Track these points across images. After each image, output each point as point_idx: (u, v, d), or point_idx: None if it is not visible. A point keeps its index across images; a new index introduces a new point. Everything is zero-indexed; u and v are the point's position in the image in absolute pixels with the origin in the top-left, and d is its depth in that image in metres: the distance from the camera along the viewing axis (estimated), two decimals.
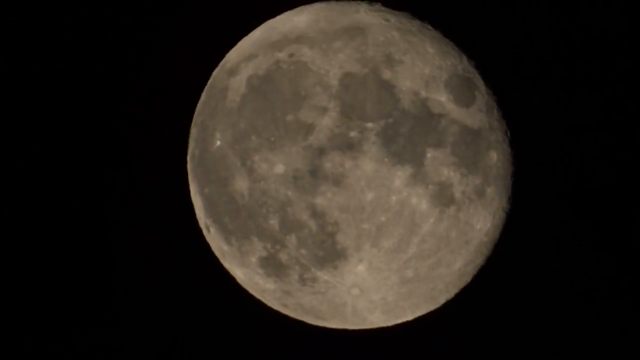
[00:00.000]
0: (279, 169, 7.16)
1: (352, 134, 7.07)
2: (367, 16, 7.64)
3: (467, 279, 8.07)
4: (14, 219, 9.40)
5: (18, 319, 9.43)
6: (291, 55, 7.39)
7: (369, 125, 7.09)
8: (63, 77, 9.30)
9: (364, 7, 7.80)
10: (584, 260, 9.46)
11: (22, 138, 9.34)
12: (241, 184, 7.33)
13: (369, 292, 7.52)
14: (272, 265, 7.49)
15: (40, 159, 9.36)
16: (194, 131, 7.96)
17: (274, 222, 7.26)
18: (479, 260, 7.94)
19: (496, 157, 7.58)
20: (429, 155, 7.18)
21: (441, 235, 7.37)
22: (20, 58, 9.29)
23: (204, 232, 8.04)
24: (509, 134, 7.73)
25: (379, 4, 7.87)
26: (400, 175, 7.12)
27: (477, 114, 7.47)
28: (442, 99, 7.30)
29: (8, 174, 9.32)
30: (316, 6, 7.95)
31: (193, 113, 8.07)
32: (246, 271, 7.74)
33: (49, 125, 9.35)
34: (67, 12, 9.21)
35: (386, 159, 7.09)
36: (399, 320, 8.14)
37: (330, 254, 7.27)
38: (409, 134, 7.14)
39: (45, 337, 9.45)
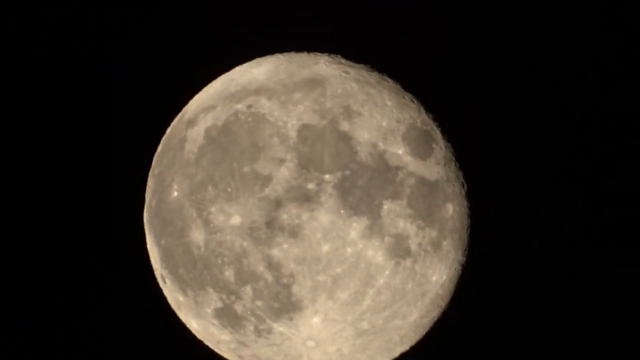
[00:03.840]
0: (235, 220, 7.16)
1: (310, 185, 7.09)
2: (327, 68, 7.69)
3: (423, 331, 8.06)
4: None
5: None
6: (249, 106, 7.41)
7: (326, 177, 7.11)
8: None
9: (324, 59, 7.84)
10: (542, 312, 9.49)
11: None
12: (197, 235, 7.31)
13: (325, 344, 7.51)
14: (228, 316, 7.47)
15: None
16: (151, 182, 7.94)
17: (229, 274, 7.25)
18: (435, 313, 7.94)
19: (452, 210, 7.60)
20: (385, 207, 7.20)
21: (397, 288, 7.38)
22: None
23: (160, 282, 8.00)
24: (465, 186, 7.76)
25: (339, 56, 7.91)
26: (356, 227, 7.13)
27: (434, 166, 7.50)
28: (399, 152, 7.33)
29: None
30: (276, 58, 7.99)
31: (150, 164, 8.09)
32: (201, 322, 7.71)
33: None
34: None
35: (342, 211, 7.10)
36: None
37: (285, 305, 7.27)
38: (366, 186, 7.16)
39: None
